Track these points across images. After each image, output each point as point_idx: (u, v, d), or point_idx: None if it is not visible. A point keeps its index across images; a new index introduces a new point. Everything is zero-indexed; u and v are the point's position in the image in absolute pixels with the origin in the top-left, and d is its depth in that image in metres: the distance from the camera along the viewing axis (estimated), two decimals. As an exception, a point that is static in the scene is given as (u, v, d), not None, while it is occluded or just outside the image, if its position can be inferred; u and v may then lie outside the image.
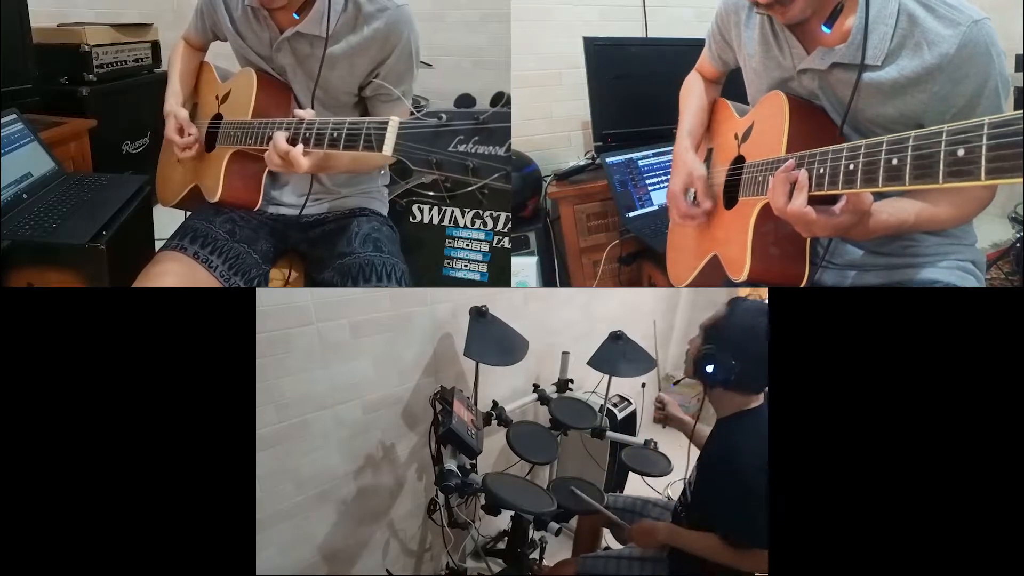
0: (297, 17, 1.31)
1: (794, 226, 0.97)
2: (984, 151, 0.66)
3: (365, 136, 1.04)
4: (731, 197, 1.24)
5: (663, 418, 1.60)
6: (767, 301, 1.18)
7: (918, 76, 0.98)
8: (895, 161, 0.77)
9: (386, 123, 1.00)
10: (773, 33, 1.16)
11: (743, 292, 1.34)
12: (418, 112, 1.02)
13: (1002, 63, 0.97)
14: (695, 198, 1.29)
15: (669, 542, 1.33)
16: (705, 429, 1.44)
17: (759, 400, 1.25)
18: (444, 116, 0.97)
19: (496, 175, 0.94)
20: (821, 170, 0.91)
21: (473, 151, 0.95)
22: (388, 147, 1.00)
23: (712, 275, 1.31)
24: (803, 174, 0.93)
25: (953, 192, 1.02)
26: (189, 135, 1.45)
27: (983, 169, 0.66)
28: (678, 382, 1.53)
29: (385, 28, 1.32)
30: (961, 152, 0.68)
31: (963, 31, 0.94)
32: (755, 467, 1.13)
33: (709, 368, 1.22)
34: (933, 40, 0.96)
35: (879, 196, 0.96)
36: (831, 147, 0.90)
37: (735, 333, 1.22)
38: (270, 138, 1.21)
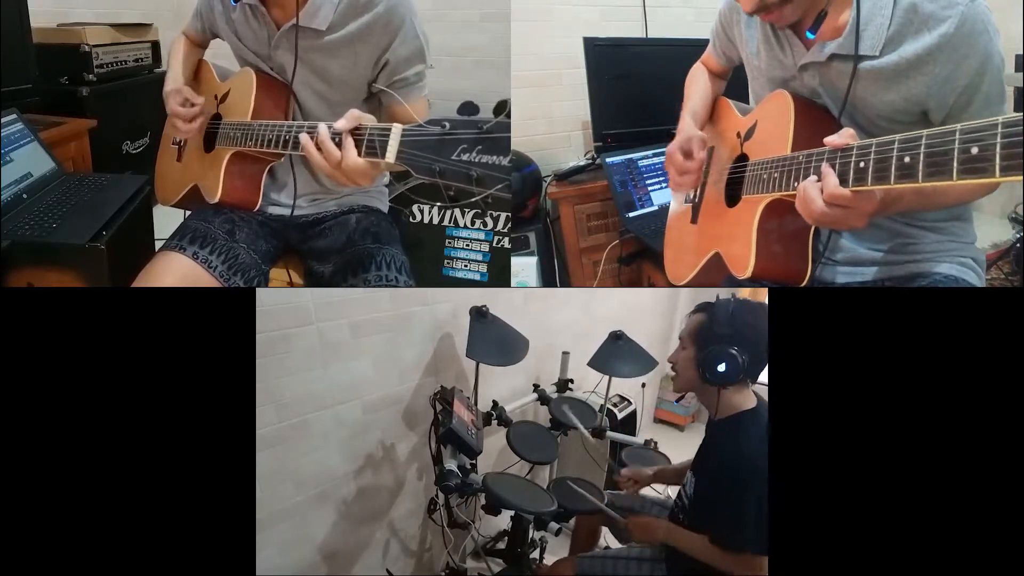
0: None
1: (841, 222, 0.94)
2: (999, 149, 0.68)
3: (368, 142, 1.03)
4: (733, 195, 1.24)
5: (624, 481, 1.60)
6: (766, 301, 1.18)
7: (919, 58, 0.99)
8: (907, 159, 0.78)
9: (389, 129, 1.00)
10: (774, 32, 1.17)
11: (744, 293, 1.34)
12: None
13: (998, 40, 0.99)
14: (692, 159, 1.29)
15: (667, 540, 1.33)
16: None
17: (754, 400, 1.25)
18: (447, 124, 0.96)
19: (500, 185, 0.94)
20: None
21: (477, 160, 0.94)
22: (391, 154, 0.99)
23: (712, 273, 1.31)
24: (825, 166, 0.92)
25: None
26: (194, 105, 1.42)
27: (997, 167, 0.68)
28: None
29: (386, 13, 1.31)
30: (975, 150, 0.70)
31: (961, 11, 0.95)
32: (753, 471, 1.13)
33: (721, 368, 1.21)
34: (932, 22, 0.97)
35: None
36: (840, 146, 0.90)
37: (728, 328, 1.23)
38: (269, 141, 1.21)
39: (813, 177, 0.94)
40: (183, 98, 1.44)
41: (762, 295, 1.24)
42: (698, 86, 1.45)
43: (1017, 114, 0.67)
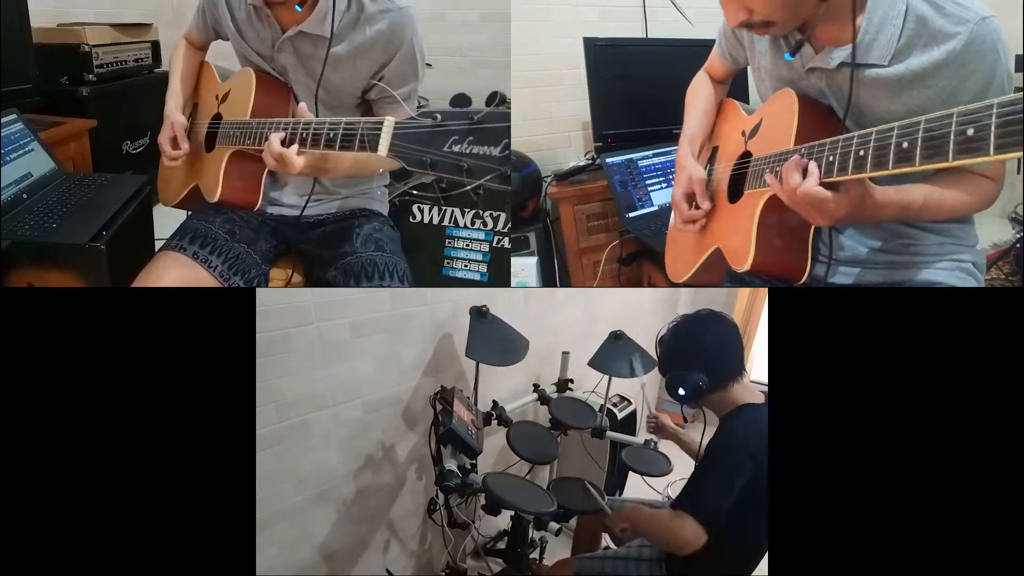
0: (300, 9, 1.30)
1: (806, 212, 0.98)
2: (993, 128, 0.69)
3: (360, 136, 1.04)
4: (735, 192, 1.25)
5: (655, 430, 1.65)
6: (765, 303, 1.19)
7: (925, 72, 0.99)
8: (905, 144, 0.79)
9: (381, 123, 1.01)
10: (787, 36, 1.16)
11: (743, 293, 1.35)
12: (416, 113, 1.03)
13: (1008, 60, 0.99)
14: (696, 205, 1.31)
15: (631, 522, 1.34)
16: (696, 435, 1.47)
17: (757, 397, 1.26)
18: (439, 116, 0.97)
19: (491, 175, 0.95)
20: (831, 158, 0.93)
21: (468, 151, 0.95)
22: (383, 147, 1.00)
23: (712, 270, 1.32)
24: (813, 164, 0.95)
25: (960, 178, 1.05)
26: (178, 150, 1.45)
27: (992, 145, 0.69)
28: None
29: (388, 30, 1.32)
30: (971, 131, 0.71)
31: (971, 28, 0.95)
32: (743, 453, 1.17)
33: (681, 392, 1.28)
34: (941, 38, 0.97)
35: (887, 181, 0.97)
36: (841, 136, 0.92)
37: (676, 355, 1.32)
38: (267, 138, 1.21)
39: (796, 156, 0.97)
40: (173, 135, 1.46)
41: (761, 296, 1.24)
42: (698, 102, 1.46)
43: (1012, 95, 0.68)
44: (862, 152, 0.86)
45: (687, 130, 1.43)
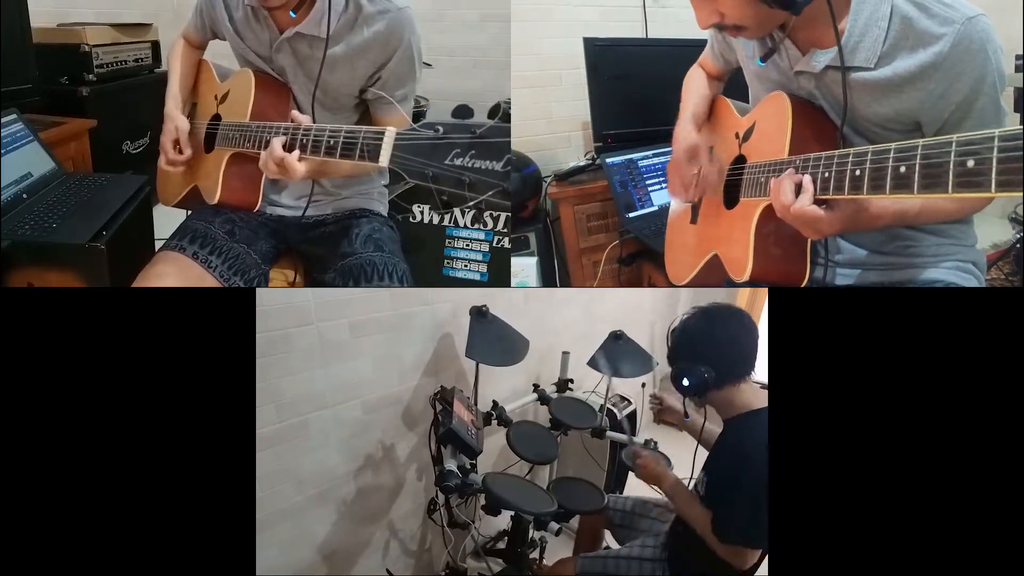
0: (294, 15, 1.31)
1: (798, 227, 0.97)
2: (995, 163, 0.66)
3: (361, 146, 1.04)
4: (731, 197, 1.24)
5: (659, 412, 1.62)
6: (766, 304, 1.19)
7: (912, 75, 0.98)
8: (903, 169, 0.77)
9: (382, 134, 1.00)
10: (771, 36, 1.16)
11: (743, 293, 1.34)
12: (417, 115, 1.02)
13: (999, 58, 0.96)
14: (698, 176, 1.30)
15: (670, 494, 1.34)
16: (710, 427, 1.45)
17: (764, 400, 1.26)
18: (441, 128, 0.97)
19: (493, 191, 0.94)
20: (826, 174, 0.91)
21: (470, 165, 0.95)
22: (384, 158, 1.00)
23: (712, 274, 1.32)
24: (807, 178, 0.93)
25: None
26: (180, 155, 1.45)
27: (993, 181, 0.66)
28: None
29: (386, 31, 1.32)
30: (971, 163, 0.68)
31: (957, 28, 0.93)
32: (759, 466, 1.13)
33: (685, 382, 1.26)
34: (928, 39, 0.95)
35: None
36: (836, 152, 0.90)
37: (688, 344, 1.29)
38: (267, 142, 1.21)
39: (791, 170, 0.96)
40: (175, 139, 1.45)
41: (761, 296, 1.24)
42: (696, 88, 1.45)
43: (1014, 128, 0.65)
44: (858, 172, 0.84)
45: (688, 109, 1.40)
